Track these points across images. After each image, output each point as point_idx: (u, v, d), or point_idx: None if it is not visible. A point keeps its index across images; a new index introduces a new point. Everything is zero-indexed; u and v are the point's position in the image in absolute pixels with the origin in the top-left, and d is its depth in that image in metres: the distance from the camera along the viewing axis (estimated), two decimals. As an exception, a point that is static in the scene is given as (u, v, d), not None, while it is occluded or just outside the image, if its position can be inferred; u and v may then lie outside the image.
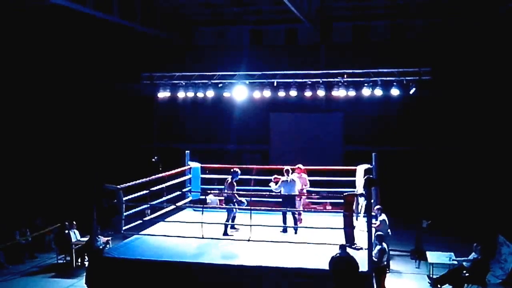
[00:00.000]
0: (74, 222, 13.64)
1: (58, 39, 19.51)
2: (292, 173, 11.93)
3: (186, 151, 14.45)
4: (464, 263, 11.24)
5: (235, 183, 11.73)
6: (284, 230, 11.47)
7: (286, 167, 11.92)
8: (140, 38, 19.64)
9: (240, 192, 12.05)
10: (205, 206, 11.65)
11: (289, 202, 11.49)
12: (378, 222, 11.90)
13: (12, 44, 18.45)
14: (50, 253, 13.97)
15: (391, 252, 11.50)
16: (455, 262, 11.40)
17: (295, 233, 11.34)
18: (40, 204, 16.53)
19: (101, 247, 11.33)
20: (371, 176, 10.66)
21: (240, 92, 14.96)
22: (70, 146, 20.05)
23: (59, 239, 13.47)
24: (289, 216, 11.63)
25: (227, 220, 11.42)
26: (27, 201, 16.70)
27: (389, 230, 12.00)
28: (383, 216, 12.04)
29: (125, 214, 10.55)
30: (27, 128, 19.22)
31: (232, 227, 11.57)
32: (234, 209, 11.47)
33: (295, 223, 11.52)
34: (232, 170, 11.91)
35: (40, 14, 17.49)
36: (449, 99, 18.36)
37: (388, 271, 11.62)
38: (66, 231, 13.38)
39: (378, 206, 12.05)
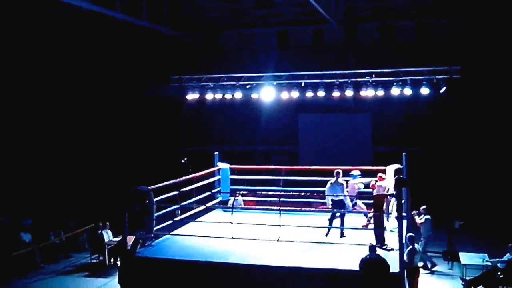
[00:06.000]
0: (107, 223, 13.93)
1: (87, 43, 19.92)
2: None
3: (215, 153, 14.55)
4: (498, 264, 11.03)
5: (356, 186, 11.72)
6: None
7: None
8: (168, 42, 19.87)
9: (269, 193, 12.03)
10: (234, 207, 11.71)
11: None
12: (423, 220, 12.32)
13: (45, 48, 18.96)
14: (83, 252, 14.29)
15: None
16: (489, 263, 11.19)
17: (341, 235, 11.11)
18: (74, 205, 16.91)
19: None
20: (401, 176, 10.54)
21: (268, 93, 15.01)
22: (103, 148, 20.45)
23: (92, 239, 13.77)
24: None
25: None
26: (62, 202, 17.11)
27: (431, 231, 12.08)
28: (428, 216, 12.33)
29: (156, 214, 10.71)
30: (61, 132, 19.71)
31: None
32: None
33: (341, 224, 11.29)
34: (350, 173, 11.93)
35: (69, 19, 17.91)
36: (481, 98, 17.98)
37: (430, 271, 11.74)
38: (99, 231, 13.67)
39: (424, 206, 12.53)
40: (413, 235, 10.63)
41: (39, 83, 19.05)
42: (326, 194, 11.48)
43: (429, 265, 12.54)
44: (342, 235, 11.07)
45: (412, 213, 12.54)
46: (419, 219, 12.48)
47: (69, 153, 19.78)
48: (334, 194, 11.18)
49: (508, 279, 10.67)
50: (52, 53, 19.22)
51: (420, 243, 12.41)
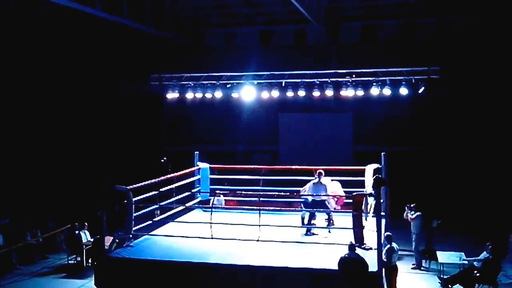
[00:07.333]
0: (85, 223, 13.76)
1: (67, 41, 19.68)
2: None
3: (195, 152, 14.49)
4: (475, 263, 11.17)
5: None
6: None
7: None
8: (149, 39, 19.72)
9: (249, 193, 12.00)
10: (214, 206, 11.67)
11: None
12: (414, 216, 12.49)
13: (24, 46, 18.67)
14: (61, 253, 14.10)
15: (400, 252, 11.39)
16: (466, 262, 11.33)
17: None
18: (51, 205, 16.66)
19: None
20: (380, 175, 10.61)
21: (248, 93, 14.98)
22: (81, 147, 20.19)
23: (70, 240, 13.59)
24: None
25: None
26: (38, 202, 16.84)
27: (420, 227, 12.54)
28: (419, 213, 12.54)
29: (134, 214, 10.60)
30: (38, 131, 19.41)
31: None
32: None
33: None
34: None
35: (49, 16, 17.65)
36: (458, 98, 18.22)
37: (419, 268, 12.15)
38: (77, 232, 13.49)
39: (413, 204, 12.63)
40: (391, 234, 10.72)
41: (15, 81, 18.70)
42: (309, 194, 11.44)
43: (415, 264, 12.64)
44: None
45: (406, 206, 12.77)
46: (411, 215, 12.61)
47: (47, 152, 19.48)
48: (320, 194, 11.21)
49: (485, 278, 10.81)
50: (33, 51, 18.92)
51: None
